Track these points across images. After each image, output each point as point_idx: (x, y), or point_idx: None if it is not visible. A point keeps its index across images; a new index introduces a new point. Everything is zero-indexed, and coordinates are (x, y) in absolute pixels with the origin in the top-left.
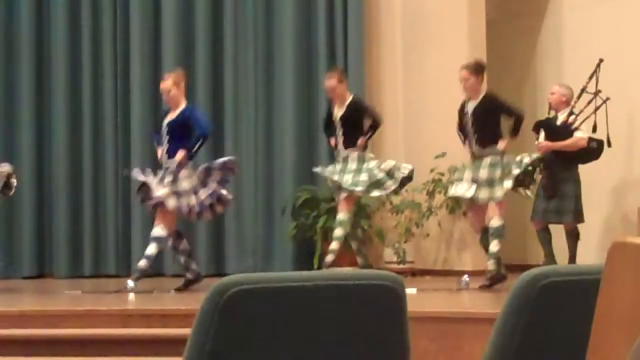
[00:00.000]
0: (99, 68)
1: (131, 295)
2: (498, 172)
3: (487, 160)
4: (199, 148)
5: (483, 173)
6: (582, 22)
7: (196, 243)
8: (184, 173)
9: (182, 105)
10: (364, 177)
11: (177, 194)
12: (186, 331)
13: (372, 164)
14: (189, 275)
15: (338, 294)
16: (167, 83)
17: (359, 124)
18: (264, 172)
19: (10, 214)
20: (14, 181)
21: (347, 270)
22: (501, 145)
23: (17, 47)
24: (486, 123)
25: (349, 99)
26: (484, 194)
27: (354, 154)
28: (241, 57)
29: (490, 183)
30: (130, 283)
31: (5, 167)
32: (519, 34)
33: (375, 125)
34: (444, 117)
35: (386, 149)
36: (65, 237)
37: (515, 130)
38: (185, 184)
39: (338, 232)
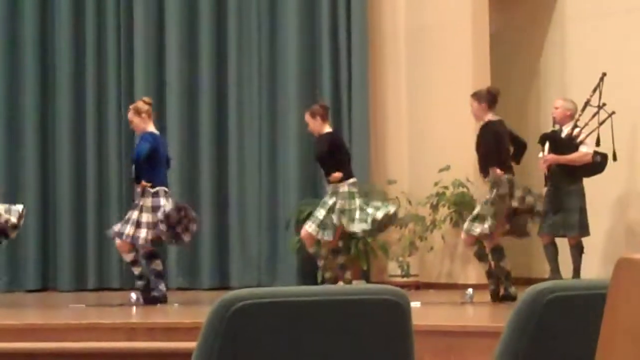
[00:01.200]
0: (103, 80)
1: (135, 309)
2: (483, 208)
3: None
4: (137, 173)
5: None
6: (585, 35)
7: (200, 256)
8: (145, 202)
9: (145, 132)
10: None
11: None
12: (191, 345)
13: (339, 203)
14: (155, 293)
15: (343, 308)
16: (129, 115)
17: (328, 160)
18: (268, 186)
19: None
20: (21, 222)
21: (351, 284)
22: (492, 174)
23: (21, 56)
24: (479, 150)
25: (323, 134)
26: (473, 227)
27: (329, 188)
28: (245, 71)
29: (476, 217)
30: (134, 296)
31: (16, 209)
32: (522, 47)
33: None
34: (448, 131)
35: (390, 163)
36: (69, 250)
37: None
38: (143, 215)
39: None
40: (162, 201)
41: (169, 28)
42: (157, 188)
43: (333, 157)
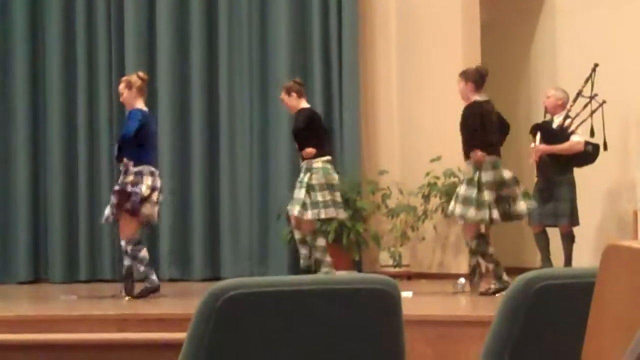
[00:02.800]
0: (94, 72)
1: (127, 300)
2: (465, 189)
3: (466, 175)
4: (119, 150)
5: (460, 188)
6: (576, 26)
7: (191, 247)
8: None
9: (134, 108)
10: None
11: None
12: (182, 335)
13: (313, 178)
14: (147, 284)
15: (333, 298)
16: (120, 86)
17: (302, 135)
18: (259, 177)
19: (6, 219)
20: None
21: (342, 274)
22: (473, 157)
23: (11, 49)
24: (462, 131)
25: (300, 109)
26: (457, 209)
27: (303, 164)
28: (236, 62)
29: (463, 200)
30: None
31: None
32: (513, 37)
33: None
34: (439, 121)
35: (381, 153)
36: (61, 242)
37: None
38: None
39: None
40: (147, 179)
41: (159, 25)
42: (142, 167)
43: (308, 133)
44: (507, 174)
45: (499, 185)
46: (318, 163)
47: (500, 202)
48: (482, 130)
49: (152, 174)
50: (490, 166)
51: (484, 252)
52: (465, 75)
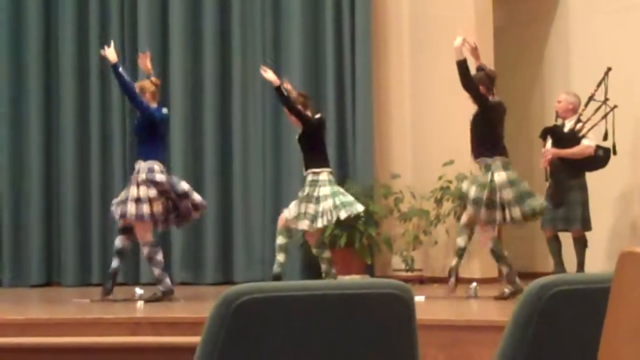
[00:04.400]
0: (105, 76)
1: (139, 304)
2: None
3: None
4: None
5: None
6: (589, 29)
7: (204, 251)
8: (139, 177)
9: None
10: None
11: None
12: (195, 339)
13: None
14: (161, 288)
15: (346, 303)
16: None
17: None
18: (272, 180)
19: (19, 222)
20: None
21: (355, 278)
22: (482, 159)
23: (25, 52)
24: (473, 133)
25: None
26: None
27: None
28: (249, 62)
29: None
30: (138, 291)
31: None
32: (526, 41)
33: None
34: (451, 125)
35: (394, 157)
36: (74, 245)
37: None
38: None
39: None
40: (159, 177)
41: (172, 32)
42: (152, 161)
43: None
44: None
45: (510, 185)
46: (324, 175)
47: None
48: (490, 132)
49: (161, 171)
50: (502, 167)
51: (500, 254)
52: (475, 79)
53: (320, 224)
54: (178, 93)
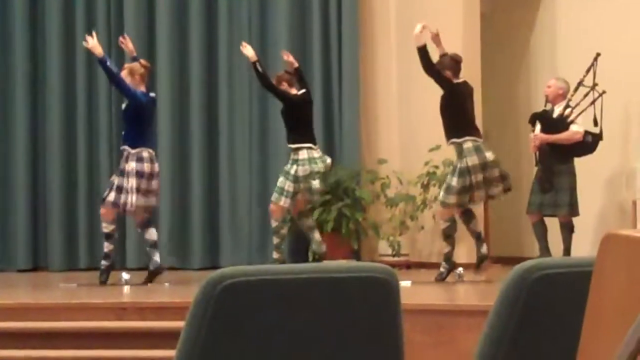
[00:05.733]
0: (92, 61)
1: (126, 288)
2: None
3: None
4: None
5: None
6: (576, 15)
7: (190, 236)
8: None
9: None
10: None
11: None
12: (180, 324)
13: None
14: (150, 267)
15: (332, 286)
16: (122, 73)
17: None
18: (258, 164)
19: (5, 206)
20: None
21: (340, 263)
22: (455, 140)
23: (11, 43)
24: (443, 114)
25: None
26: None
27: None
28: (236, 58)
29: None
30: (125, 275)
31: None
32: (513, 27)
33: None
34: (438, 110)
35: (380, 143)
36: (60, 230)
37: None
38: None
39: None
40: (147, 166)
41: (159, 22)
42: (141, 148)
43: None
44: (490, 155)
45: (482, 167)
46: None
47: (484, 184)
48: (460, 112)
49: (150, 157)
50: (473, 149)
51: (450, 234)
52: (441, 65)
53: (282, 202)
54: (164, 79)
